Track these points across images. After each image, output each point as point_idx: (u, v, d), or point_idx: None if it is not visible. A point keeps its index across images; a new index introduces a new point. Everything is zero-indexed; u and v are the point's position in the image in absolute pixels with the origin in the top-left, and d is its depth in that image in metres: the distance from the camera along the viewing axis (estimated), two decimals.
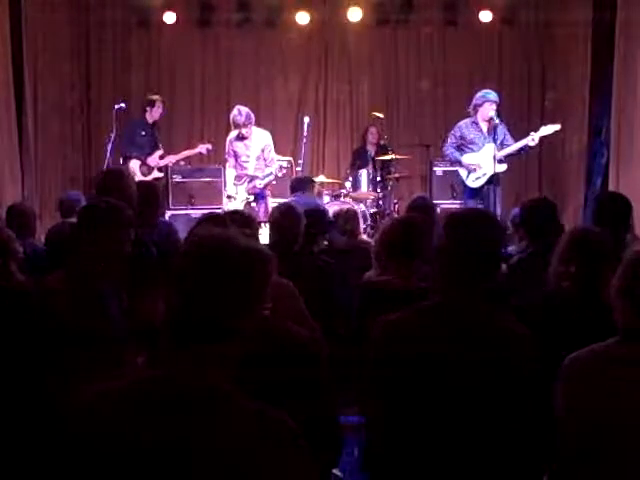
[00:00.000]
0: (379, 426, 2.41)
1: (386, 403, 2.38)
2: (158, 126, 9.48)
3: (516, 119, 10.20)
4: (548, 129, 7.88)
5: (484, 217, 2.51)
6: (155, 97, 9.28)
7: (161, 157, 9.30)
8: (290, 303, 3.22)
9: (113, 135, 8.83)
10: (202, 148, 9.52)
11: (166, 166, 9.54)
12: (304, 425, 1.62)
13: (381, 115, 9.76)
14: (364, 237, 7.69)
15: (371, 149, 10.24)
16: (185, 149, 9.65)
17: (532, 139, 7.79)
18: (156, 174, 9.19)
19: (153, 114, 9.19)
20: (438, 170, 9.79)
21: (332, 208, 7.72)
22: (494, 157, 7.74)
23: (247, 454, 1.50)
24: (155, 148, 9.27)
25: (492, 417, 2.29)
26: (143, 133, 9.15)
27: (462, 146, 8.07)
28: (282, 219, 2.95)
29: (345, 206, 7.78)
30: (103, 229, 3.13)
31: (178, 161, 9.58)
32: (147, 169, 9.09)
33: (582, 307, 3.04)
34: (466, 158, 7.99)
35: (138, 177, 8.59)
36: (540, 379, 2.37)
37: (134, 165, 9.00)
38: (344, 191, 9.25)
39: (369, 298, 3.51)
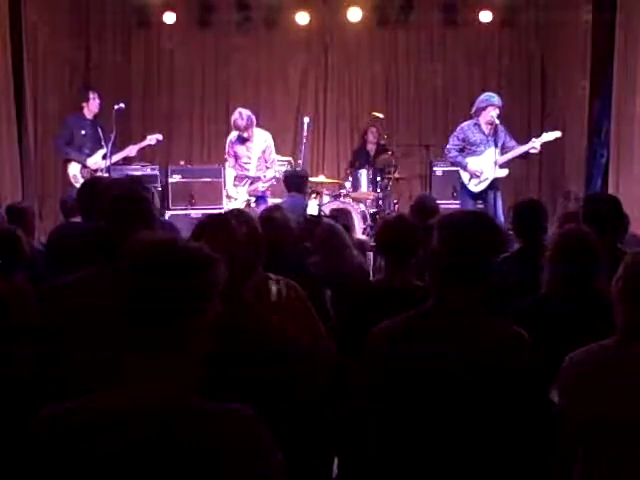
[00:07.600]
0: (373, 431, 2.40)
1: (382, 408, 2.36)
2: (101, 123, 8.70)
3: (516, 119, 10.21)
4: (549, 135, 7.90)
5: (480, 219, 2.45)
6: (88, 91, 8.70)
7: (104, 157, 8.39)
8: (298, 305, 3.21)
9: (113, 135, 8.71)
10: (151, 139, 8.89)
11: (166, 166, 9.48)
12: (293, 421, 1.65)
13: (381, 115, 9.77)
14: (363, 237, 7.71)
15: (371, 149, 10.24)
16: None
17: (534, 147, 7.80)
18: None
19: (90, 108, 8.59)
20: (438, 170, 9.79)
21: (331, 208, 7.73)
22: (495, 162, 7.76)
23: (215, 455, 1.54)
24: (97, 147, 8.53)
25: (490, 421, 2.27)
26: (83, 132, 8.53)
27: (465, 148, 8.06)
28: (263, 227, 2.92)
29: (340, 206, 7.82)
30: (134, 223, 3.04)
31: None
32: (88, 172, 8.33)
33: (575, 308, 3.03)
34: (471, 164, 7.96)
35: (79, 182, 7.59)
36: (539, 382, 2.36)
37: (74, 169, 8.44)
38: (344, 191, 9.24)
39: (364, 299, 3.50)
